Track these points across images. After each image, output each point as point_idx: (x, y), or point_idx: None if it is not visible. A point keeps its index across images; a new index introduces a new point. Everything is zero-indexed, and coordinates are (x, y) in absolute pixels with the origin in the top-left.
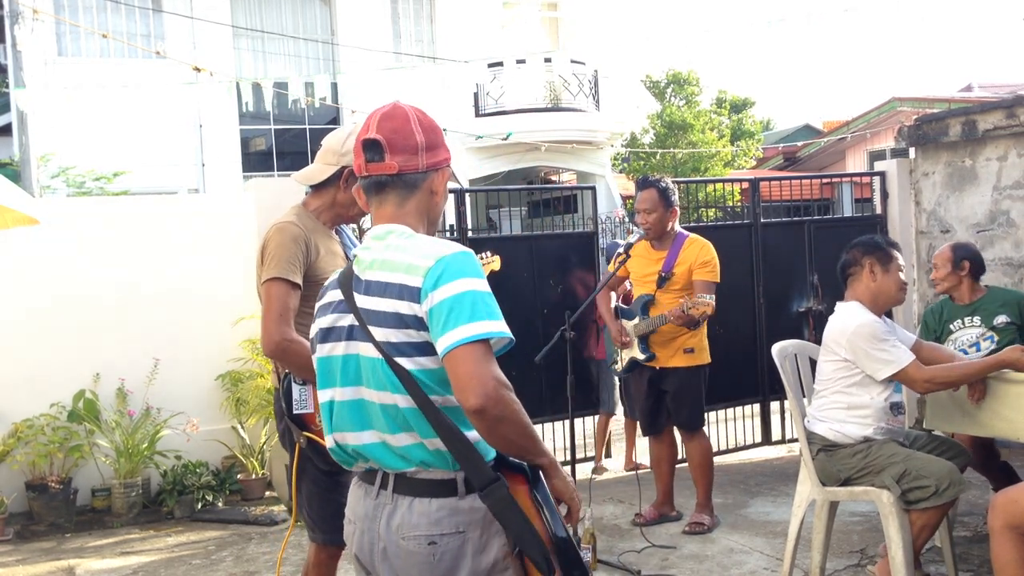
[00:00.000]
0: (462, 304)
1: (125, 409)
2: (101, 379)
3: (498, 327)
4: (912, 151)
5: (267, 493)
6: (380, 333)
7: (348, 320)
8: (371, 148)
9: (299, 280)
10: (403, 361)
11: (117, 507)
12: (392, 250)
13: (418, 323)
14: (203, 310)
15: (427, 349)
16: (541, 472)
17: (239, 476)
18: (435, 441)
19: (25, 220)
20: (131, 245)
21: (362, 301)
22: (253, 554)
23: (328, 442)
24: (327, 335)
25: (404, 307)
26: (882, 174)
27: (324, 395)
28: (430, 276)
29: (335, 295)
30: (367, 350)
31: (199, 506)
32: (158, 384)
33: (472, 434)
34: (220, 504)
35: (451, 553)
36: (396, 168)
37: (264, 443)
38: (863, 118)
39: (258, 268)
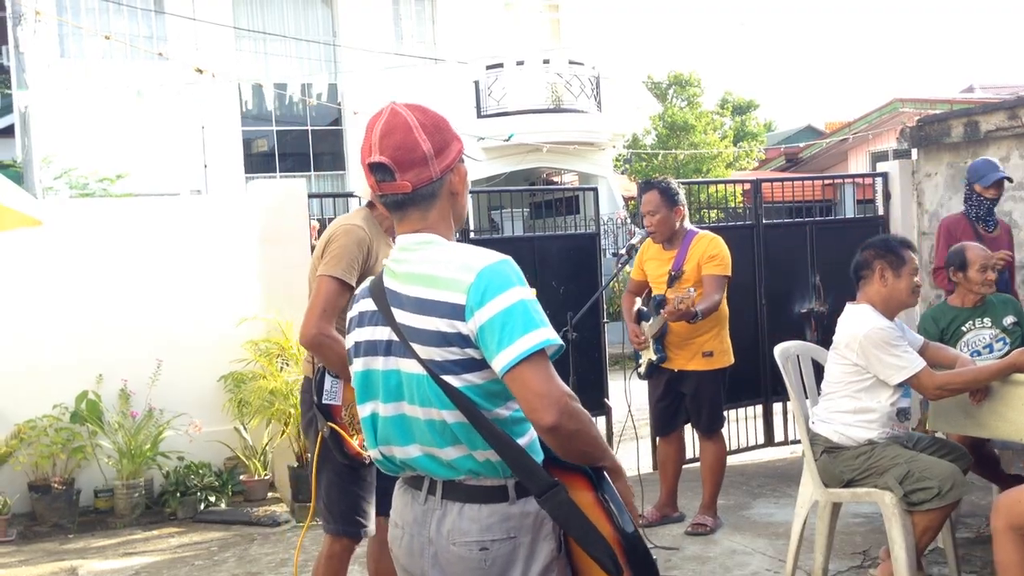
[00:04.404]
0: (513, 317)
1: (128, 410)
2: (104, 380)
3: (552, 334)
4: (914, 152)
5: (269, 494)
6: (422, 351)
7: (385, 334)
8: (379, 170)
9: (354, 283)
10: (449, 379)
11: (120, 508)
12: (429, 263)
13: (462, 341)
14: (205, 311)
15: (471, 365)
16: (606, 472)
17: (242, 477)
18: (484, 453)
19: (27, 221)
20: (133, 246)
21: (401, 317)
22: (256, 555)
23: (374, 454)
24: (364, 348)
25: (446, 325)
26: (884, 175)
27: (365, 408)
28: (474, 292)
29: (367, 305)
30: (409, 366)
31: (202, 507)
32: (161, 385)
33: (523, 440)
34: (223, 505)
35: (502, 559)
36: (410, 187)
37: (267, 444)
38: (865, 119)
39: (316, 260)
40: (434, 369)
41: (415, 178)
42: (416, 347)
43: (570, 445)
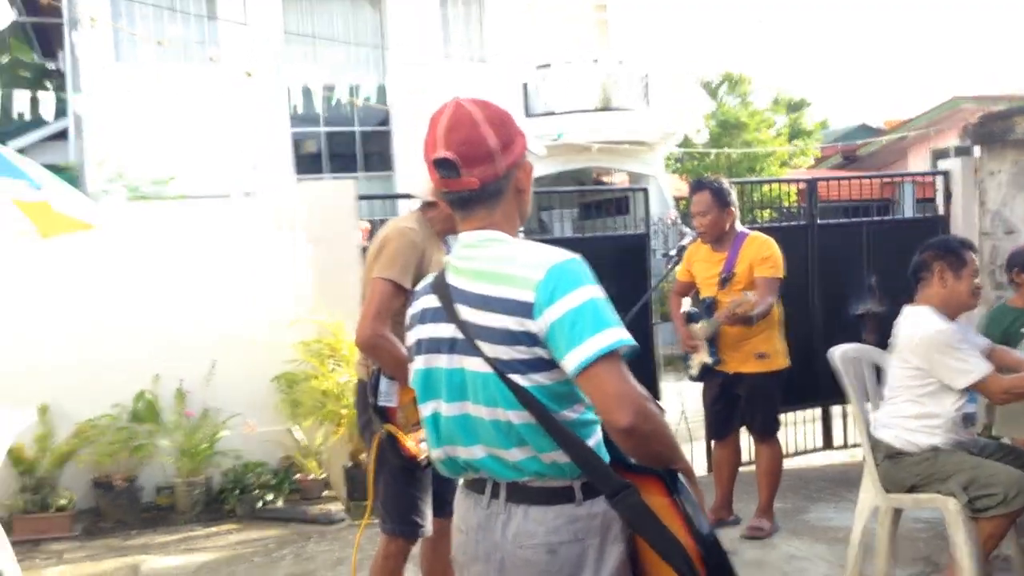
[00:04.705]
0: (584, 315)
1: (184, 409)
2: (160, 380)
3: (625, 334)
4: (976, 149)
5: (325, 492)
6: (489, 349)
7: (449, 332)
8: (444, 166)
9: (408, 286)
10: (516, 378)
11: (181, 505)
12: (495, 261)
13: (530, 339)
14: (257, 312)
15: (538, 365)
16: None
17: (297, 476)
18: (551, 455)
19: (81, 225)
20: (186, 248)
21: (466, 314)
22: (312, 552)
23: (437, 455)
24: (426, 346)
25: (513, 323)
26: (946, 173)
27: (426, 408)
28: (543, 290)
29: (430, 302)
30: (474, 364)
31: (259, 505)
32: (215, 385)
33: (589, 443)
34: (280, 503)
35: (571, 562)
36: (477, 183)
37: (320, 444)
38: (925, 116)
39: (370, 262)
40: (501, 368)
41: (481, 174)
42: (482, 345)
43: (646, 447)
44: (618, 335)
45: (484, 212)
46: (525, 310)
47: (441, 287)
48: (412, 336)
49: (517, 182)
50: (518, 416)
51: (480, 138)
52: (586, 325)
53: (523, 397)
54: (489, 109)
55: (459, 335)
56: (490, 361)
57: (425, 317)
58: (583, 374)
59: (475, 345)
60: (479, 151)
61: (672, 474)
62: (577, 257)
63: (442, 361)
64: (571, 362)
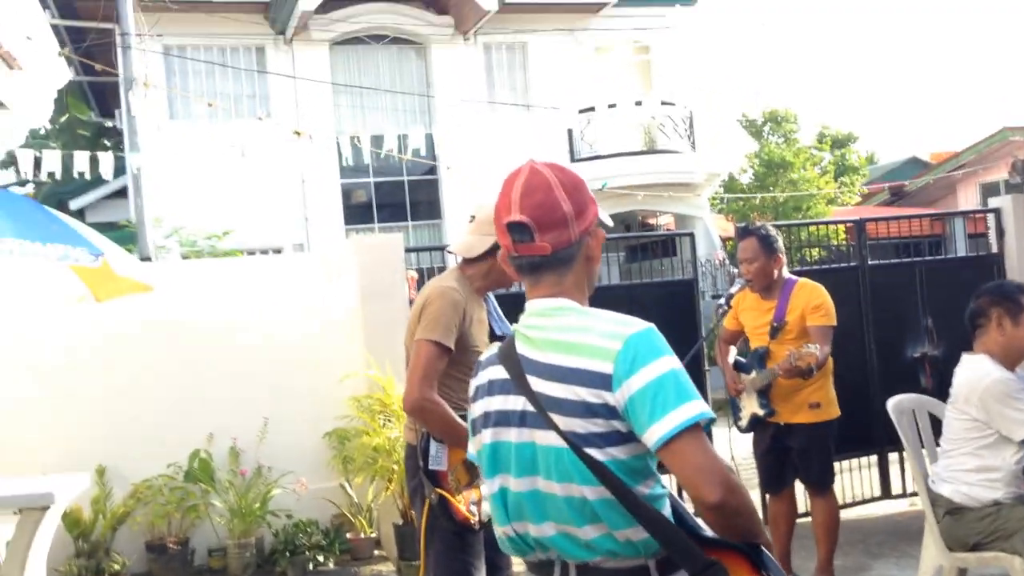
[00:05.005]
0: (665, 387)
1: (238, 468)
2: (215, 439)
3: (706, 407)
4: None
5: (375, 552)
6: (563, 422)
7: (519, 404)
8: (518, 230)
9: (452, 346)
10: (592, 452)
11: (232, 568)
12: (568, 331)
13: (608, 412)
14: (309, 368)
15: (615, 439)
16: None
17: (348, 535)
18: (626, 532)
19: (140, 287)
20: (238, 305)
21: (538, 385)
22: None
23: (505, 531)
24: (495, 419)
25: (590, 395)
26: (997, 211)
27: (494, 483)
28: (622, 361)
29: (496, 373)
30: (545, 438)
31: (311, 567)
32: (268, 442)
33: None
34: (331, 564)
35: None
36: (549, 249)
37: (372, 501)
38: (972, 149)
39: (412, 323)
40: (576, 441)
41: (555, 240)
42: (556, 418)
43: (733, 522)
44: (700, 408)
45: (554, 279)
46: (603, 382)
47: (510, 357)
48: (478, 408)
49: (588, 249)
50: (593, 492)
51: (555, 203)
52: (668, 397)
53: (599, 472)
54: (564, 174)
55: (530, 407)
56: (564, 435)
57: (493, 389)
58: (666, 447)
59: (548, 418)
60: (554, 216)
61: (756, 548)
62: (652, 327)
63: (511, 435)
64: (653, 435)
